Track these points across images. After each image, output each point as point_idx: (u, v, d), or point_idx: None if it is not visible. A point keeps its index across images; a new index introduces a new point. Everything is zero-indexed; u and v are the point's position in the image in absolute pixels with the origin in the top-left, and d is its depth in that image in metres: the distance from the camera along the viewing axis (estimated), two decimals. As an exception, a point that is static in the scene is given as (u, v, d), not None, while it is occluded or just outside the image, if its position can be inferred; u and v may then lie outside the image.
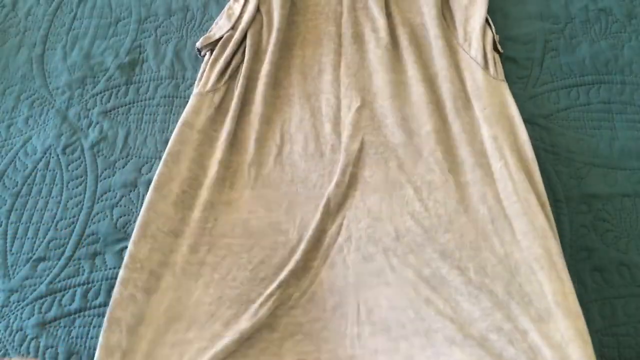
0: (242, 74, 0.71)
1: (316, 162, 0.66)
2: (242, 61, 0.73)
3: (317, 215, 0.61)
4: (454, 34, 0.73)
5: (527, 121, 0.69)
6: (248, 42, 0.74)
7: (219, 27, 0.76)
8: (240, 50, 0.74)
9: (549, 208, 0.59)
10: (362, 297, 0.57)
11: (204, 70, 0.73)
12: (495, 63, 0.70)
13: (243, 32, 0.74)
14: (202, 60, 0.75)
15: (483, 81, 0.68)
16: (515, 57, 0.75)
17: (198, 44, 0.76)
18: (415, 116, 0.67)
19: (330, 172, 0.65)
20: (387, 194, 0.63)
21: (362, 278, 0.58)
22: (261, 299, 0.57)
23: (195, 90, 0.71)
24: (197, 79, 0.73)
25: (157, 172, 0.64)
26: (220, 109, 0.70)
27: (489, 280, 0.55)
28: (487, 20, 0.73)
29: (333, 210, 0.62)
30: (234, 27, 0.75)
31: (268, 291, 0.57)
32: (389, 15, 0.76)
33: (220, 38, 0.74)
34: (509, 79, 0.73)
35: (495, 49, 0.72)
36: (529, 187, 0.59)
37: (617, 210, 0.64)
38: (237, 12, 0.76)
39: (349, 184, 0.63)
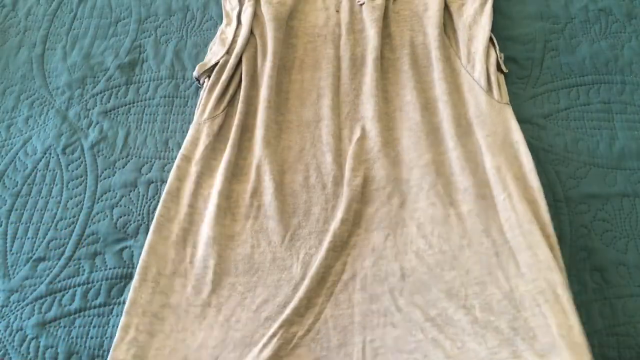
0: (240, 100, 0.70)
1: (318, 195, 0.65)
2: (239, 86, 0.72)
3: (322, 252, 0.60)
4: (457, 54, 0.72)
5: (527, 121, 0.70)
6: (244, 67, 0.72)
7: (214, 52, 0.75)
8: (237, 75, 0.73)
9: (554, 238, 0.58)
10: (368, 337, 0.56)
11: (202, 98, 0.72)
12: (499, 85, 0.69)
13: (238, 56, 0.73)
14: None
15: (486, 106, 0.67)
16: (515, 57, 0.75)
17: (195, 73, 0.74)
18: (413, 147, 0.66)
19: (333, 207, 0.64)
20: (391, 232, 0.62)
21: (368, 318, 0.57)
22: (264, 340, 0.56)
23: (195, 118, 0.70)
24: (197, 107, 0.72)
25: (157, 212, 0.63)
26: (219, 137, 0.69)
27: (494, 317, 0.54)
28: (491, 39, 0.72)
29: (338, 247, 0.61)
30: (228, 52, 0.74)
31: (270, 332, 0.56)
32: (388, 36, 0.75)
33: (216, 64, 0.73)
34: (509, 79, 0.73)
35: (499, 69, 0.71)
36: (532, 219, 0.58)
37: (617, 210, 0.64)
38: (230, 36, 0.75)
39: (354, 221, 0.62)
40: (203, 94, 0.72)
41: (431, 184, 0.63)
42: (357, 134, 0.68)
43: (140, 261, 0.60)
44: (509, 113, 0.67)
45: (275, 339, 0.56)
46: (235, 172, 0.67)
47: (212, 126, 0.69)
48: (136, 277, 0.59)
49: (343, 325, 0.57)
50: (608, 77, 0.73)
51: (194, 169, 0.66)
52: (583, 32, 0.77)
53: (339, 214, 0.62)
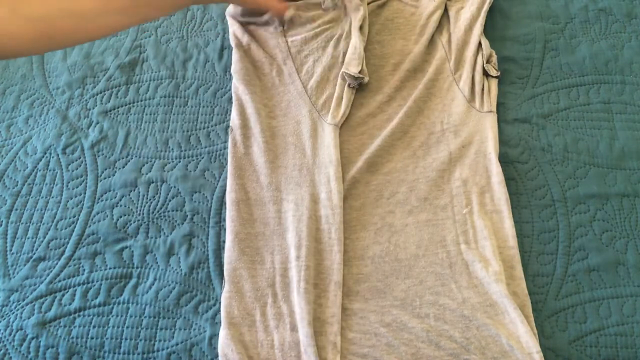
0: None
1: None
2: None
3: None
4: (449, 60, 0.72)
5: (526, 121, 0.70)
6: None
7: None
8: None
9: (514, 250, 0.60)
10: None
11: None
12: (485, 92, 0.69)
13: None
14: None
15: (465, 115, 0.68)
16: (515, 57, 0.75)
17: None
18: (380, 152, 0.66)
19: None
20: (347, 235, 0.62)
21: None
22: None
23: None
24: None
25: None
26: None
27: (448, 326, 0.56)
28: (480, 45, 0.71)
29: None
30: None
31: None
32: (377, 42, 0.75)
33: None
34: (509, 79, 0.73)
35: (490, 74, 0.70)
36: (487, 235, 0.60)
37: (617, 210, 0.64)
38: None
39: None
40: None
41: (391, 192, 0.64)
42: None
43: None
44: (489, 122, 0.67)
45: None
46: None
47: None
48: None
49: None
50: (608, 77, 0.73)
51: None
52: (583, 32, 0.77)
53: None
